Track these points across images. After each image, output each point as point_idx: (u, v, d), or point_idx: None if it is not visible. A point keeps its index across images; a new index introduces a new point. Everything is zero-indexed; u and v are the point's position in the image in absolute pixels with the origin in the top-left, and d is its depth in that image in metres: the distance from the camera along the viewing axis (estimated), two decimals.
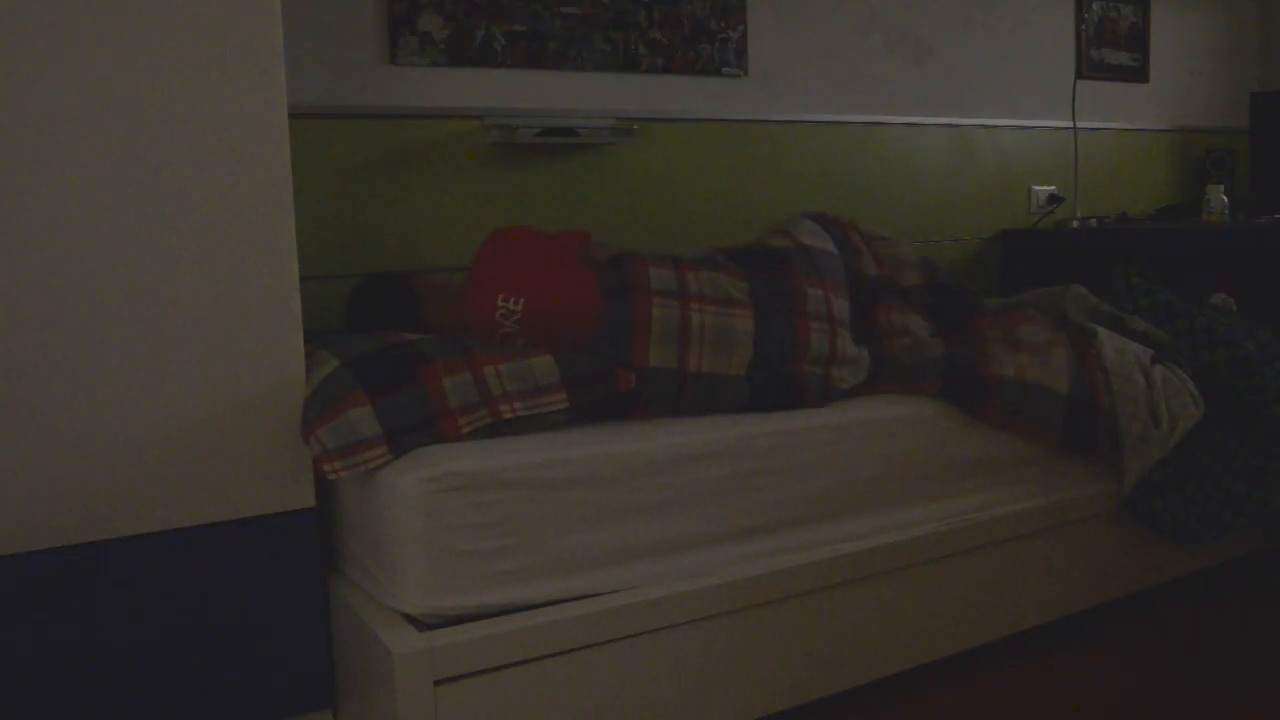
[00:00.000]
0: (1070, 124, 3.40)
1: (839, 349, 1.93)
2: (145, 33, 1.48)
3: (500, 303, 1.90)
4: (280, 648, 1.63)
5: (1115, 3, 3.53)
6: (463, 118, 2.45)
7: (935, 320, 2.19)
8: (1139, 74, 3.62)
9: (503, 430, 1.65)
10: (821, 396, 1.90)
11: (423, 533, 1.48)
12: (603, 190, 2.62)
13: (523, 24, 2.49)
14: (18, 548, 1.45)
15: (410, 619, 1.52)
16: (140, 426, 1.51)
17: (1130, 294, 2.33)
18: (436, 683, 1.44)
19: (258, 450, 1.59)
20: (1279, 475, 2.08)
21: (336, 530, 1.74)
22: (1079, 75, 3.44)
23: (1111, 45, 3.53)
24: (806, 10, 2.92)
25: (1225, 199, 3.04)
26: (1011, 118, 3.32)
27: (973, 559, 1.92)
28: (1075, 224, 3.34)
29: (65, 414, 1.46)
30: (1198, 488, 2.05)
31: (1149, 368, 2.06)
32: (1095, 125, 3.48)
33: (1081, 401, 1.98)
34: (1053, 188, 3.42)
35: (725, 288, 1.91)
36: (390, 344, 1.67)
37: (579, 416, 1.73)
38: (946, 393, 1.95)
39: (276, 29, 1.56)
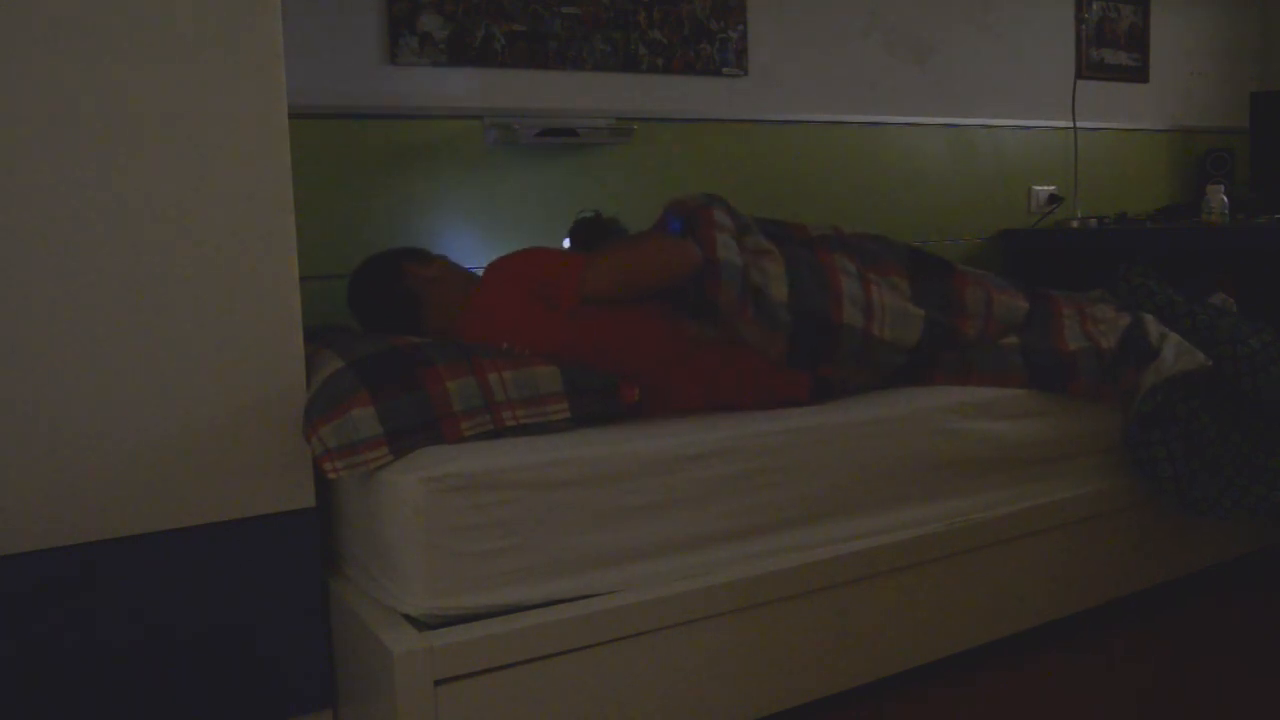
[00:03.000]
0: (1070, 124, 3.41)
1: (875, 299, 1.96)
2: (145, 33, 1.48)
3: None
4: (280, 648, 1.63)
5: (1115, 3, 3.53)
6: (463, 118, 2.45)
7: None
8: (1139, 74, 3.62)
9: (505, 436, 1.65)
10: (858, 356, 1.93)
11: (423, 533, 1.48)
12: (603, 190, 2.62)
13: (523, 24, 2.49)
14: (19, 548, 1.45)
15: (410, 619, 1.52)
16: (140, 427, 1.51)
17: (1132, 294, 2.33)
18: (436, 683, 1.44)
19: (258, 450, 1.59)
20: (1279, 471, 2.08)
21: (337, 530, 1.74)
22: (1079, 75, 3.44)
23: (1111, 45, 3.54)
24: (806, 10, 2.92)
25: (1225, 199, 3.03)
26: (1011, 118, 3.32)
27: (973, 559, 1.92)
28: (1075, 224, 3.34)
29: (65, 414, 1.46)
30: (1202, 464, 2.06)
31: (1167, 332, 2.17)
32: (1095, 125, 3.49)
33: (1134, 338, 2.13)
34: (1053, 188, 3.42)
35: (756, 243, 2.00)
36: (395, 346, 1.67)
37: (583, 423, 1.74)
38: (1035, 380, 2.04)
39: (277, 29, 1.55)
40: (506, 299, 1.91)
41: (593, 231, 2.17)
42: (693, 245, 1.89)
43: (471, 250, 2.47)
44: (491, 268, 2.00)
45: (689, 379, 1.88)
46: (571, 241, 2.21)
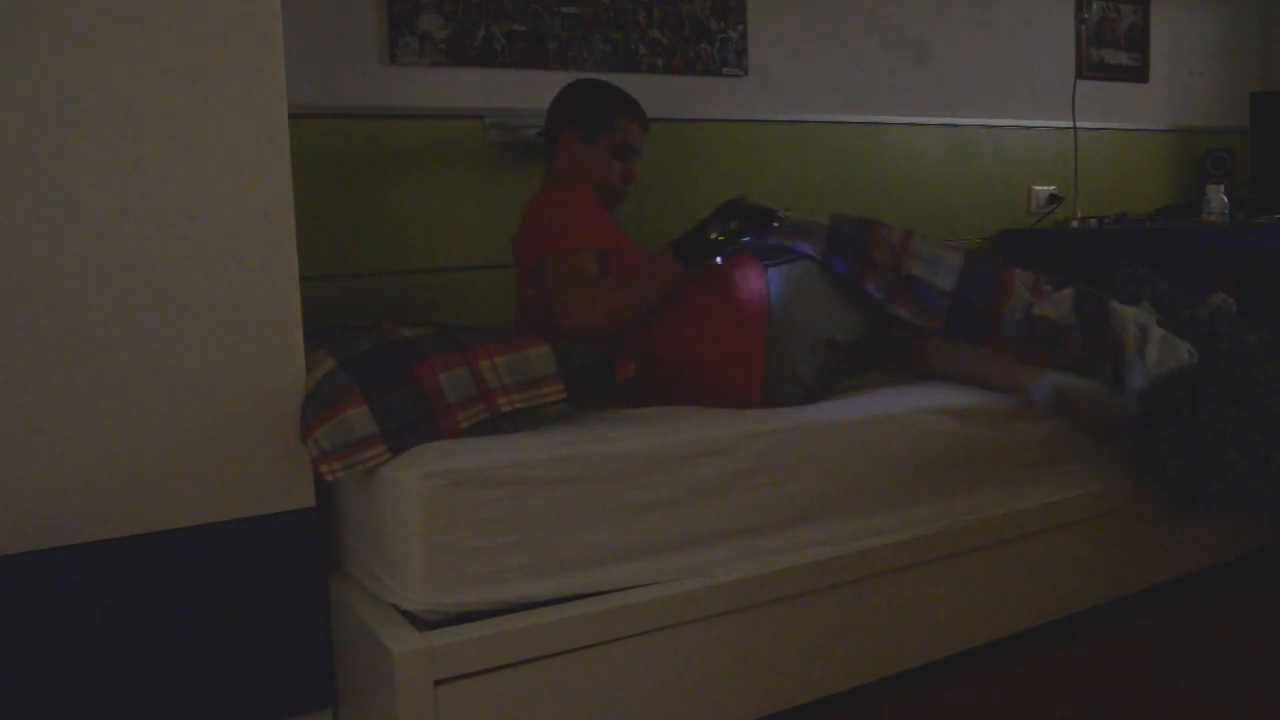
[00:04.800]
0: (1070, 124, 3.40)
1: (909, 246, 2.07)
2: (145, 33, 1.48)
3: None
4: (280, 648, 1.63)
5: (1115, 3, 3.53)
6: (463, 118, 2.45)
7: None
8: (1139, 74, 3.62)
9: (502, 425, 1.65)
10: (888, 274, 2.01)
11: (424, 529, 1.48)
12: None
13: (523, 24, 2.49)
14: (19, 548, 1.45)
15: (412, 616, 1.52)
16: (140, 426, 1.51)
17: (1134, 288, 2.34)
18: (436, 683, 1.44)
19: (258, 450, 1.59)
20: (1277, 470, 2.08)
21: (337, 528, 1.74)
22: (1079, 75, 3.44)
23: (1111, 45, 3.53)
24: (806, 10, 2.92)
25: (1225, 199, 3.03)
26: (1011, 118, 3.32)
27: (973, 559, 1.92)
28: (1075, 224, 3.34)
29: (65, 414, 1.46)
30: (1206, 458, 2.06)
31: (1148, 324, 2.12)
32: (1095, 125, 3.48)
33: (1091, 323, 2.09)
34: (1053, 188, 3.42)
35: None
36: (385, 342, 1.67)
37: (583, 404, 1.74)
38: (951, 328, 2.05)
39: (277, 29, 1.56)
40: (551, 218, 2.00)
41: (730, 215, 1.94)
42: (590, 314, 1.84)
43: (471, 250, 2.47)
44: (550, 198, 2.06)
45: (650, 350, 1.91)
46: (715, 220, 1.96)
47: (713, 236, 1.91)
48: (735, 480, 1.70)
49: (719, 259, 1.95)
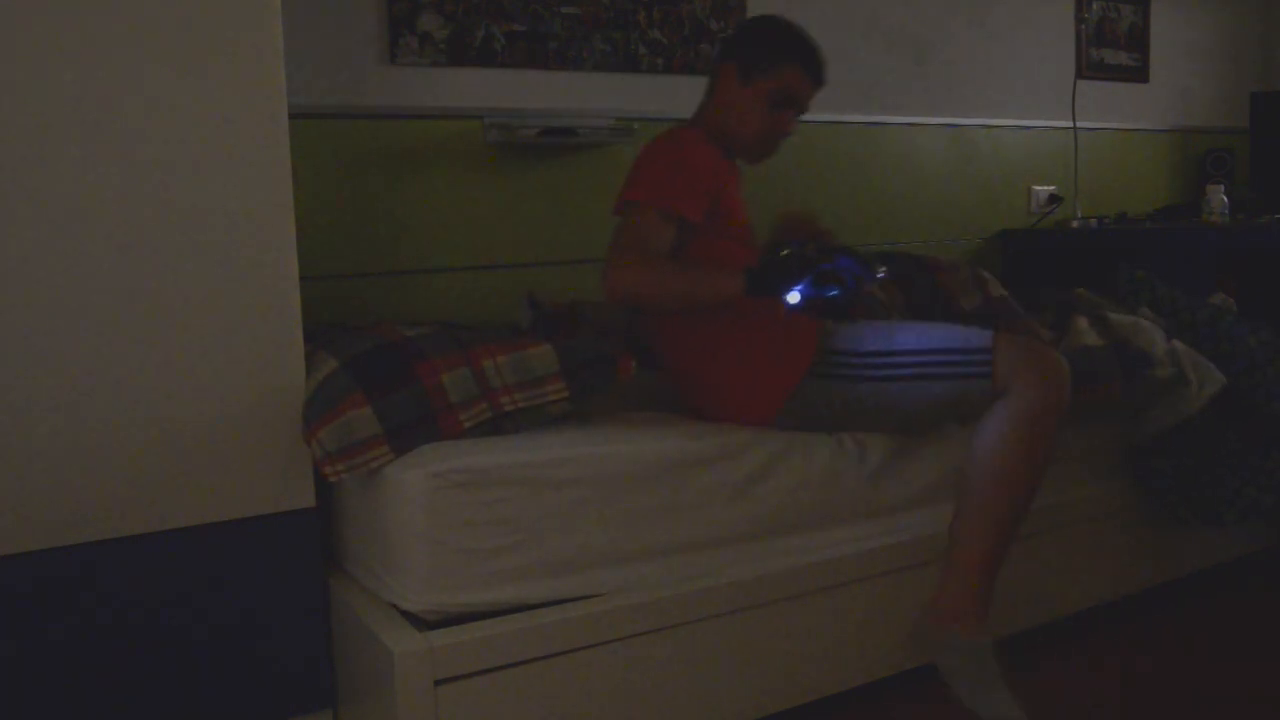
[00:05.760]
0: (1070, 124, 3.40)
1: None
2: (145, 33, 1.48)
3: None
4: (280, 648, 1.63)
5: (1115, 3, 3.53)
6: (463, 118, 2.45)
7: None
8: (1139, 74, 3.62)
9: (504, 425, 1.65)
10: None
11: (426, 529, 1.48)
12: (603, 190, 2.62)
13: (523, 24, 2.49)
14: (18, 548, 1.45)
15: (412, 616, 1.52)
16: (141, 426, 1.51)
17: (1133, 290, 2.34)
18: (436, 683, 1.44)
19: (258, 450, 1.59)
20: (1273, 475, 2.08)
21: (339, 528, 1.74)
22: (1079, 75, 3.44)
23: (1111, 45, 3.54)
24: (806, 10, 2.91)
25: (1225, 199, 3.04)
26: (1011, 118, 3.33)
27: None
28: (1075, 224, 3.34)
29: (66, 415, 1.46)
30: (1196, 478, 2.06)
31: (1164, 341, 2.09)
32: (1095, 125, 3.49)
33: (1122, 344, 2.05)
34: (1053, 188, 3.42)
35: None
36: (387, 342, 1.67)
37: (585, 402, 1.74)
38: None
39: (276, 29, 1.55)
40: (648, 163, 1.83)
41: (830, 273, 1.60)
42: (619, 280, 1.71)
43: (471, 250, 2.47)
44: (655, 144, 1.86)
45: (688, 342, 1.87)
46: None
47: (787, 291, 1.58)
48: (737, 485, 1.70)
49: (792, 304, 1.59)
